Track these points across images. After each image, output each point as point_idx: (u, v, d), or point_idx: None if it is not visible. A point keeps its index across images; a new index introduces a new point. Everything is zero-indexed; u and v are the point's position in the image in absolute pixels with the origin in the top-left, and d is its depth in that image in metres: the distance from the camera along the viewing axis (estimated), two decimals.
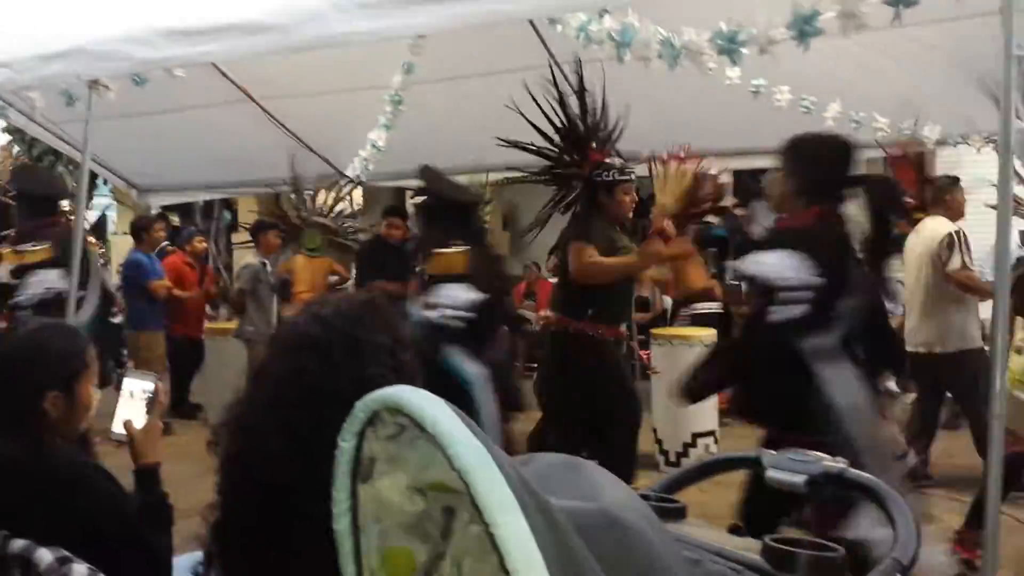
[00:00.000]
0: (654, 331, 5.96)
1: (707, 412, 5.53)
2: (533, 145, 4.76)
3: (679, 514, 1.19)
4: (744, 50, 3.10)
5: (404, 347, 1.25)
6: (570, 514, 0.81)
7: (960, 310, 5.00)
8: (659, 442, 5.58)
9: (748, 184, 11.06)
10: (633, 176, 4.49)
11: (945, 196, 5.24)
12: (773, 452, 1.23)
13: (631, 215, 4.70)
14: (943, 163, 9.03)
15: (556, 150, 4.68)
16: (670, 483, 1.31)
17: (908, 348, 5.39)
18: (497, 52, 5.95)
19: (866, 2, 2.59)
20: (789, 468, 1.18)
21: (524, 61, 6.17)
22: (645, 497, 1.24)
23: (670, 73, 5.05)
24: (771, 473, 1.19)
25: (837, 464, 1.16)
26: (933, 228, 5.12)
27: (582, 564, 0.77)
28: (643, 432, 6.06)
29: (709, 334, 5.78)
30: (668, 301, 9.05)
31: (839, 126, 6.02)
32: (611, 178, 4.45)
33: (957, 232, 4.98)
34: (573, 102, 4.78)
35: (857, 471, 1.15)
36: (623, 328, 4.55)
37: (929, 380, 5.30)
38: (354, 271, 7.02)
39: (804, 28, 2.77)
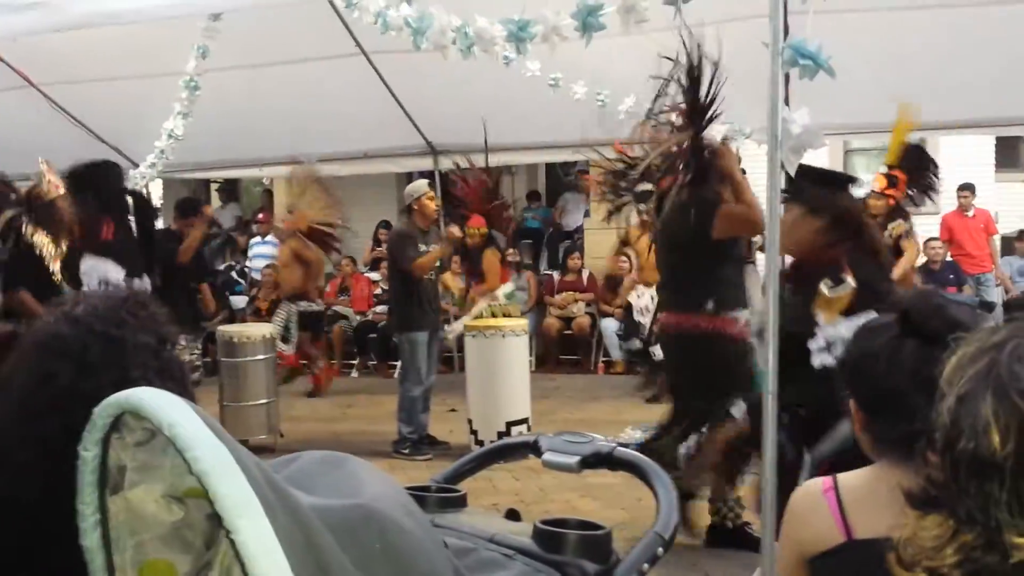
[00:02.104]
0: (467, 323, 6.01)
1: (520, 400, 5.64)
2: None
3: (460, 503, 1.19)
4: (530, 42, 3.17)
5: (168, 346, 1.17)
6: (325, 512, 0.78)
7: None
8: (474, 432, 5.64)
9: (560, 177, 11.40)
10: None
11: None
12: (550, 435, 1.25)
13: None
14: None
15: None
16: (454, 473, 1.31)
17: None
18: (300, 38, 5.79)
19: None
20: (564, 450, 1.20)
21: (329, 49, 6.05)
22: (426, 488, 1.23)
23: (475, 65, 5.10)
24: (547, 456, 1.22)
25: (608, 444, 1.20)
26: None
27: (331, 563, 0.75)
28: (459, 422, 6.13)
29: (520, 324, 5.89)
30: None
31: (631, 119, 6.30)
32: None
33: None
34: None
35: (625, 450, 1.19)
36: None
37: None
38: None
39: (588, 21, 2.86)
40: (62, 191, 4.68)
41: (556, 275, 9.46)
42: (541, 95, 6.54)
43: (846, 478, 1.41)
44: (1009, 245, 9.94)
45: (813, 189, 3.26)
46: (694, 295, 3.79)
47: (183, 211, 6.75)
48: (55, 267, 4.46)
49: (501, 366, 5.50)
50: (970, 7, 5.22)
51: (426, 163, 7.73)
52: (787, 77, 4.33)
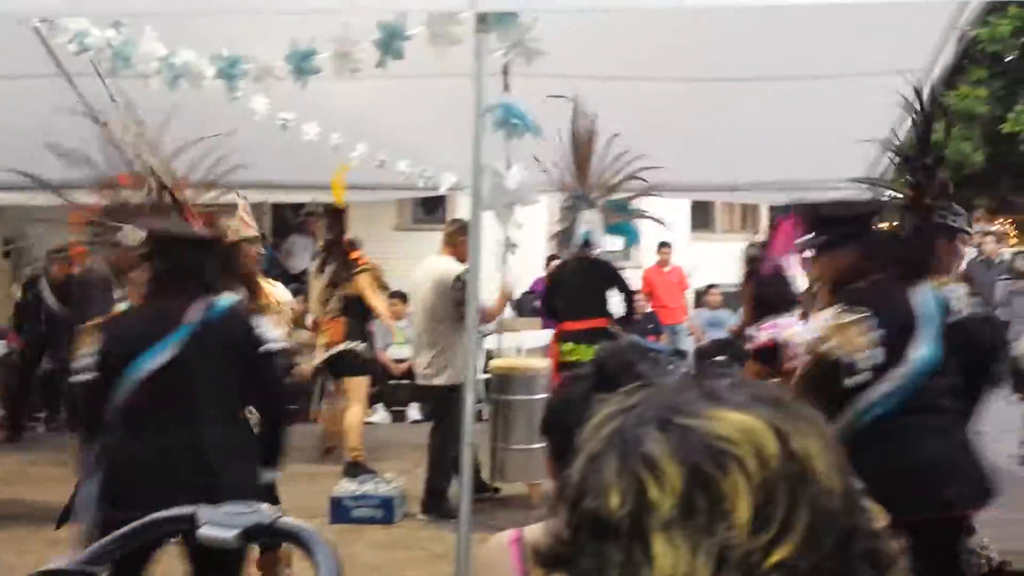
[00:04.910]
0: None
1: None
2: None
3: None
4: (241, 80, 3.06)
5: None
6: None
7: (459, 345, 5.42)
8: None
9: (287, 218, 11.08)
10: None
11: (456, 240, 5.67)
12: (210, 507, 1.15)
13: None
14: (462, 209, 9.94)
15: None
16: (97, 554, 1.16)
17: (419, 381, 5.74)
18: None
19: (360, 47, 2.70)
20: (222, 523, 1.11)
21: (25, 67, 5.50)
22: (63, 571, 1.08)
23: (196, 96, 4.83)
24: (203, 531, 1.11)
25: (272, 513, 1.12)
26: (444, 268, 5.52)
27: None
28: None
29: None
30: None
31: (364, 165, 6.29)
32: (956, 224, 3.64)
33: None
34: None
35: (289, 519, 1.12)
36: None
37: (433, 409, 5.70)
38: None
39: (301, 65, 2.81)
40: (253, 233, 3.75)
41: None
42: (269, 133, 6.34)
43: (532, 529, 1.44)
44: (700, 298, 11.01)
45: None
46: None
47: None
48: None
49: None
50: (665, 83, 5.75)
51: (138, 196, 7.19)
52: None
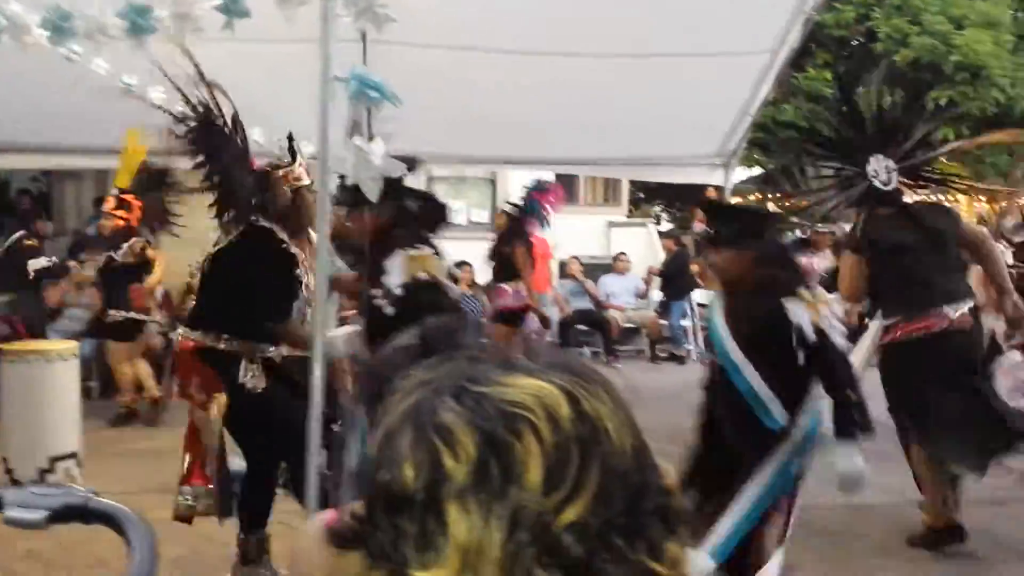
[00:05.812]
0: (4, 346, 5.21)
1: (67, 433, 5.02)
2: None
3: None
4: (71, 36, 2.87)
5: None
6: None
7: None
8: (10, 471, 4.92)
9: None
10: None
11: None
12: (15, 489, 1.08)
13: None
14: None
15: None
16: None
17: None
18: None
19: (200, 6, 2.58)
20: (29, 504, 1.04)
21: None
22: None
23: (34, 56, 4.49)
24: (9, 513, 1.05)
25: (83, 494, 1.06)
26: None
27: None
28: None
29: (69, 347, 5.25)
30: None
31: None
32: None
33: None
34: None
35: (101, 500, 1.07)
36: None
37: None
38: None
39: (137, 22, 2.65)
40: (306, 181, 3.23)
41: None
42: (113, 96, 5.97)
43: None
44: (563, 269, 11.23)
45: None
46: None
47: None
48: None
49: (45, 395, 4.85)
50: (527, 56, 5.77)
51: None
52: (368, 109, 4.45)
